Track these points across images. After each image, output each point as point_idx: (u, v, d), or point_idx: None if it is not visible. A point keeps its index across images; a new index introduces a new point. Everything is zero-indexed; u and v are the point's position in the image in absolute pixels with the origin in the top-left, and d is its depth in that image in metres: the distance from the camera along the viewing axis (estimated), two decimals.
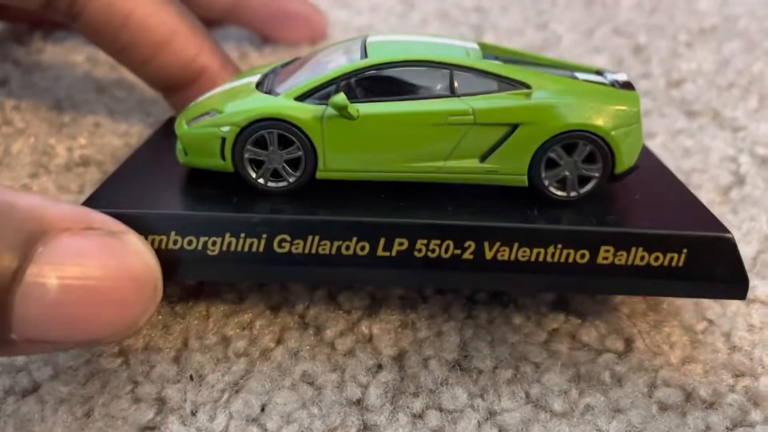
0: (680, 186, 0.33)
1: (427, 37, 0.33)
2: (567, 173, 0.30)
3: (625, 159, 0.30)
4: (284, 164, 0.30)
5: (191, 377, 0.30)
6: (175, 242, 0.28)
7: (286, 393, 0.29)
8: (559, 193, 0.30)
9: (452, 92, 0.30)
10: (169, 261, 0.28)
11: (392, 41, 0.32)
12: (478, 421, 0.29)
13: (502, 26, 0.56)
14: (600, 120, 0.29)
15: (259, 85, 0.32)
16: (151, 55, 0.39)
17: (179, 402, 0.29)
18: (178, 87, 0.40)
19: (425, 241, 0.28)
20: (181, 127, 0.31)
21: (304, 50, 0.52)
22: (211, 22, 0.50)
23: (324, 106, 0.29)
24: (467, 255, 0.28)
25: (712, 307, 0.33)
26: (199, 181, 0.31)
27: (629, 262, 0.28)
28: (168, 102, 0.42)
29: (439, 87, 0.30)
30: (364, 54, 0.31)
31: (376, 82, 0.30)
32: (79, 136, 0.43)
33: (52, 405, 0.28)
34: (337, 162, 0.30)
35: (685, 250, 0.28)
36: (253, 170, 0.30)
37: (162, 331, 0.31)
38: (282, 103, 0.30)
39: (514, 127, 0.29)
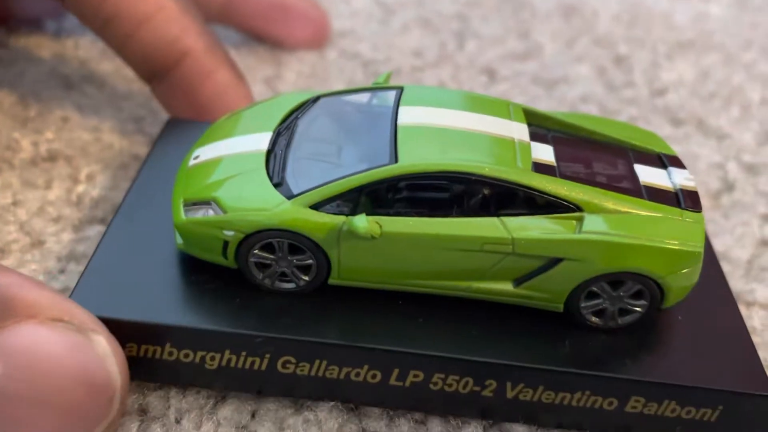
0: (733, 313, 0.29)
1: (465, 110, 0.28)
2: (608, 305, 0.27)
3: (676, 297, 0.27)
4: (294, 269, 0.27)
5: None
6: (170, 353, 0.26)
7: (278, 398, 0.27)
8: (596, 320, 0.27)
9: (490, 210, 0.26)
10: (163, 368, 0.26)
11: (428, 129, 0.27)
12: (484, 427, 0.27)
13: (484, 34, 0.55)
14: (656, 264, 0.26)
15: (269, 158, 0.28)
16: (132, 30, 0.36)
17: (162, 410, 0.26)
18: (160, 71, 0.37)
19: (443, 375, 0.26)
20: (179, 215, 0.27)
21: (303, 54, 0.50)
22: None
23: (342, 218, 0.25)
24: (487, 392, 0.26)
25: None
26: (198, 269, 0.28)
27: (659, 413, 0.26)
28: (155, 95, 0.39)
29: (475, 201, 0.26)
30: (394, 147, 0.26)
31: (403, 193, 0.26)
32: (45, 130, 0.40)
33: None
34: (353, 273, 0.27)
35: (720, 407, 0.26)
36: (260, 271, 0.27)
37: None
38: (294, 213, 0.26)
39: (557, 260, 0.26)
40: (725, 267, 0.35)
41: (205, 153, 0.29)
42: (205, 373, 0.26)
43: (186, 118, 0.37)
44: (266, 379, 0.26)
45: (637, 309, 0.27)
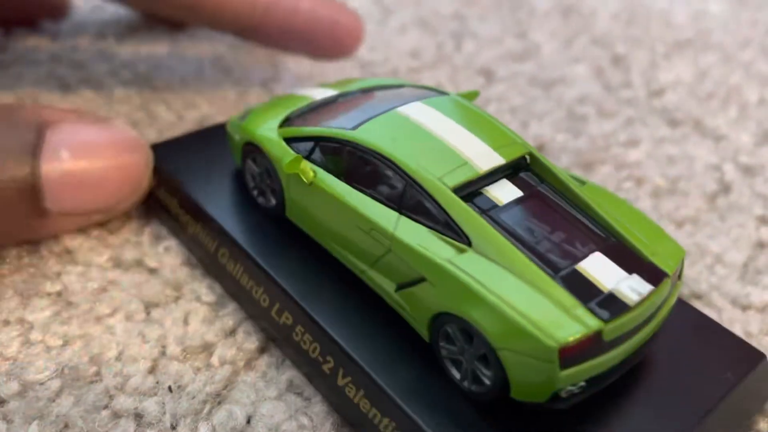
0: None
1: (464, 128, 0.28)
2: (462, 359, 0.25)
3: (523, 389, 0.23)
4: (268, 190, 0.31)
5: (170, 388, 0.27)
6: (166, 199, 0.34)
7: (272, 403, 0.27)
8: (454, 373, 0.25)
9: (398, 205, 0.26)
10: (155, 201, 0.35)
11: (406, 121, 0.28)
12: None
13: (481, 34, 0.55)
14: (495, 328, 0.23)
15: (311, 104, 0.33)
16: (219, 4, 0.39)
17: (157, 415, 0.26)
18: (258, 26, 0.40)
19: (302, 330, 0.28)
20: (235, 116, 0.34)
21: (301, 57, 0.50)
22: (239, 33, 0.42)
23: (295, 153, 0.29)
24: (325, 368, 0.27)
25: (709, 314, 0.32)
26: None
27: None
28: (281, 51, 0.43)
29: (389, 192, 0.27)
30: (365, 122, 0.29)
31: (343, 157, 0.28)
32: None
33: (19, 423, 0.26)
34: (294, 213, 0.30)
35: None
36: (251, 180, 0.32)
37: (137, 339, 0.29)
38: (268, 135, 0.31)
39: (422, 278, 0.25)
40: (721, 270, 0.35)
41: (304, 91, 0.35)
42: (178, 228, 0.33)
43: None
44: (210, 262, 0.32)
45: (485, 381, 0.24)
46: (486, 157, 0.27)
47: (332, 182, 0.28)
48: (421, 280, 0.25)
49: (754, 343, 0.31)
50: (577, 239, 0.25)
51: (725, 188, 0.41)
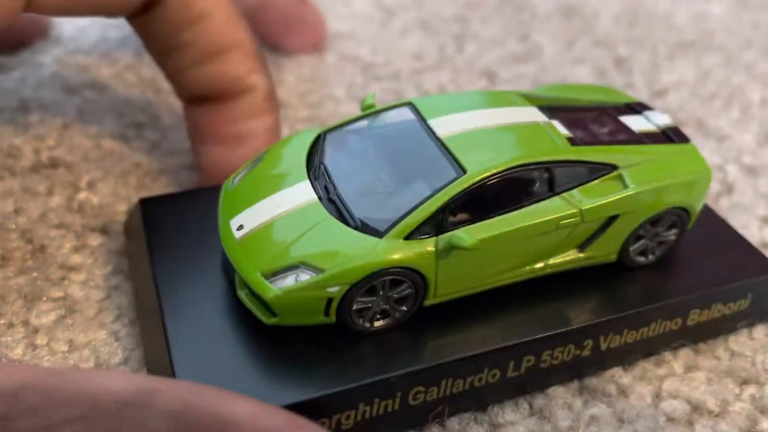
0: (717, 220, 0.34)
1: (483, 108, 0.30)
2: (649, 243, 0.31)
3: (695, 218, 0.31)
4: (392, 303, 0.27)
5: None
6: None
7: None
8: (641, 260, 0.31)
9: (551, 190, 0.28)
10: None
11: (468, 134, 0.29)
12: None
13: (483, 36, 0.55)
14: (688, 196, 0.30)
15: (330, 203, 0.27)
16: (204, 59, 0.35)
17: None
18: (213, 98, 0.36)
19: (550, 351, 0.28)
20: (268, 290, 0.26)
21: (303, 59, 0.50)
22: None
23: (434, 239, 0.26)
24: (586, 352, 0.29)
25: None
26: (278, 341, 0.26)
27: (711, 317, 0.31)
28: (187, 113, 0.37)
29: (537, 187, 0.28)
30: (454, 159, 0.27)
31: (477, 199, 0.27)
32: (47, 137, 0.40)
33: None
34: (448, 288, 0.28)
35: (750, 295, 0.31)
36: (359, 317, 0.27)
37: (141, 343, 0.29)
38: (394, 249, 0.26)
39: (614, 217, 0.29)
40: None
41: (248, 220, 0.27)
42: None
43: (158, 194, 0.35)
44: (399, 417, 0.26)
45: (671, 238, 0.31)
46: (532, 114, 0.30)
47: (491, 224, 0.27)
48: (612, 220, 0.29)
49: (756, 343, 0.31)
50: (604, 120, 0.32)
51: (728, 188, 0.41)
